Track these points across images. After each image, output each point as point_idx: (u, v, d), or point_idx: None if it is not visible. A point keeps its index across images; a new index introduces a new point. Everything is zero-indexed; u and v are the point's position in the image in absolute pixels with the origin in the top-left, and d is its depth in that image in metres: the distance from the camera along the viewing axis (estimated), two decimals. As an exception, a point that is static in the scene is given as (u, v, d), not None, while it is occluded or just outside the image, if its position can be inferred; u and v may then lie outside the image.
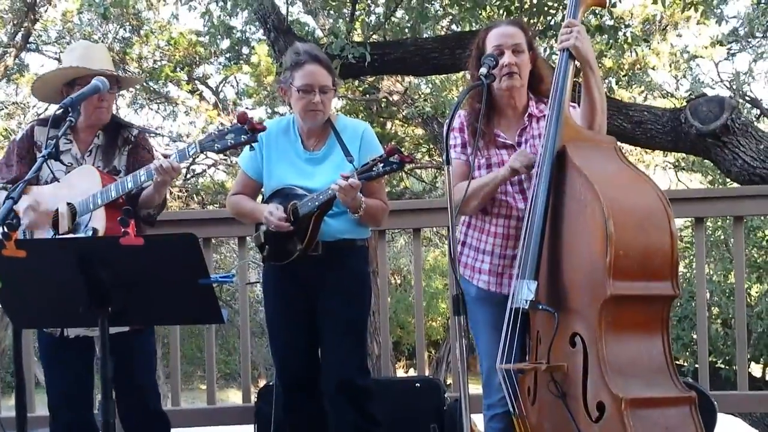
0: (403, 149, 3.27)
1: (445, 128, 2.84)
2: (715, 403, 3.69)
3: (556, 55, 3.18)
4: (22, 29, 11.52)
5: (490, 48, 2.94)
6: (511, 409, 2.82)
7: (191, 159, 3.06)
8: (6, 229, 2.34)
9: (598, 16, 6.66)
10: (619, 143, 2.91)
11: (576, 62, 2.85)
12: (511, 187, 2.99)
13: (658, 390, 2.57)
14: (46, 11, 11.73)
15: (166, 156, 3.03)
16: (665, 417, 2.56)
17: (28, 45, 12.08)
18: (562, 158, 2.76)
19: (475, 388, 3.31)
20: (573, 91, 2.91)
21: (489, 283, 3.03)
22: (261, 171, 3.31)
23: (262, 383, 4.38)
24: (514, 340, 2.79)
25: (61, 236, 3.05)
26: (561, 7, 6.31)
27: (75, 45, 3.36)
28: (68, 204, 3.10)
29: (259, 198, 3.45)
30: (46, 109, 12.45)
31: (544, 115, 2.94)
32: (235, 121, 2.93)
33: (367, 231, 3.34)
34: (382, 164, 2.96)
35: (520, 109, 3.02)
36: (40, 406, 4.17)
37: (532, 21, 6.24)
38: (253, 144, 2.93)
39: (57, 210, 3.12)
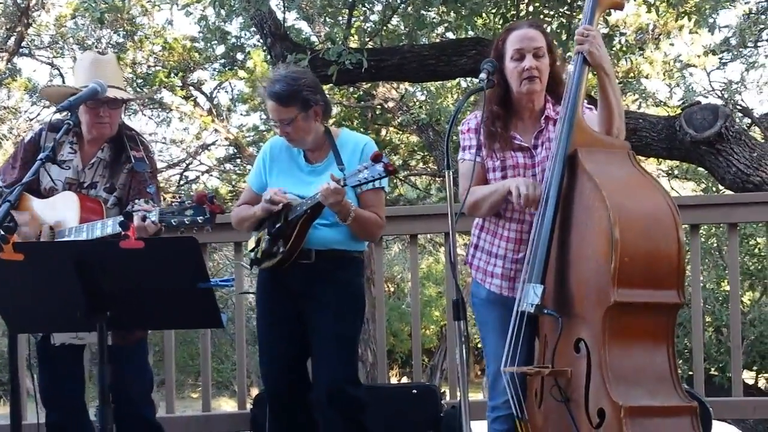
0: (398, 156, 3.25)
1: (447, 133, 2.84)
2: (711, 409, 3.69)
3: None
4: (15, 33, 11.47)
5: (510, 51, 2.92)
6: (515, 413, 2.81)
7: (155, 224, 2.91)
8: (3, 232, 2.32)
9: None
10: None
11: (590, 68, 2.84)
12: None
13: (660, 399, 2.57)
14: (39, 16, 11.69)
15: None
16: (664, 426, 2.56)
17: (20, 49, 12.04)
18: (573, 162, 2.75)
19: (473, 395, 3.29)
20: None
21: (501, 287, 3.03)
22: (265, 186, 3.33)
23: (254, 391, 4.37)
24: (520, 343, 2.78)
25: (59, 240, 3.03)
26: (557, 15, 6.32)
27: (84, 56, 3.28)
28: (51, 228, 3.09)
29: None
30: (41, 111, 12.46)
31: None
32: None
33: (362, 243, 3.33)
34: (366, 170, 2.94)
35: (538, 112, 3.01)
36: (33, 414, 4.13)
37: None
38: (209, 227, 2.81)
39: (41, 230, 3.10)
